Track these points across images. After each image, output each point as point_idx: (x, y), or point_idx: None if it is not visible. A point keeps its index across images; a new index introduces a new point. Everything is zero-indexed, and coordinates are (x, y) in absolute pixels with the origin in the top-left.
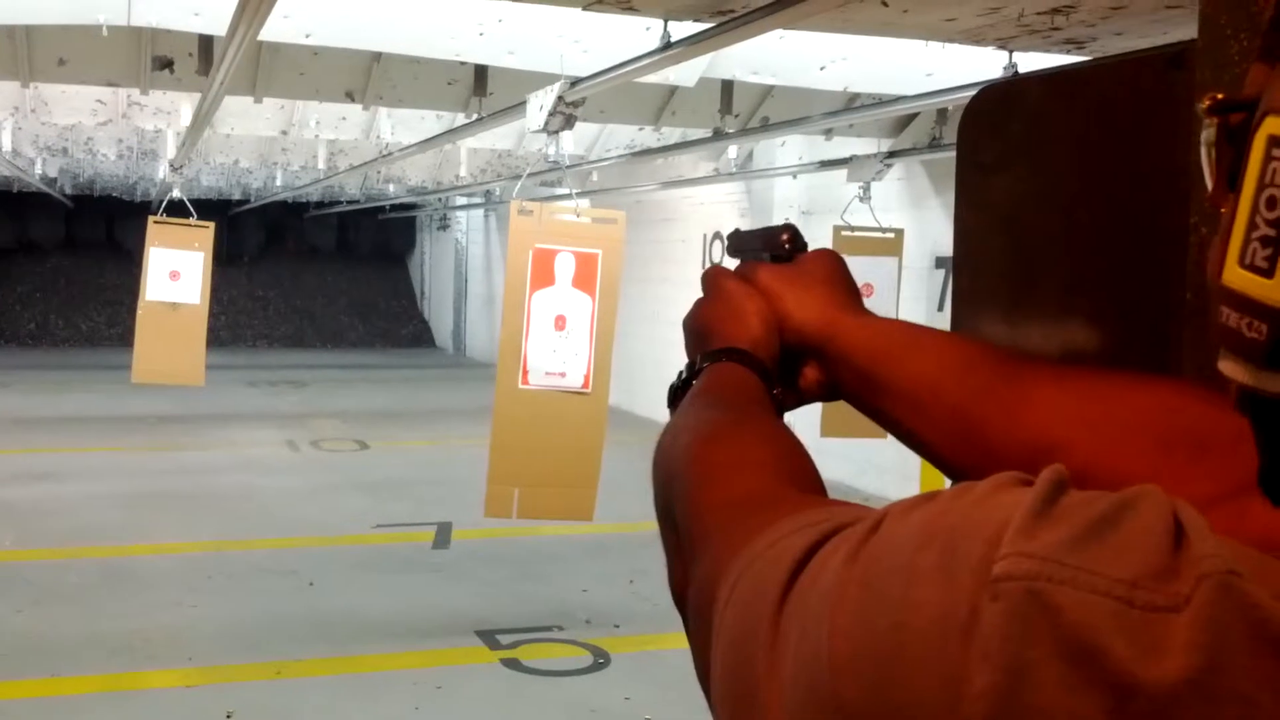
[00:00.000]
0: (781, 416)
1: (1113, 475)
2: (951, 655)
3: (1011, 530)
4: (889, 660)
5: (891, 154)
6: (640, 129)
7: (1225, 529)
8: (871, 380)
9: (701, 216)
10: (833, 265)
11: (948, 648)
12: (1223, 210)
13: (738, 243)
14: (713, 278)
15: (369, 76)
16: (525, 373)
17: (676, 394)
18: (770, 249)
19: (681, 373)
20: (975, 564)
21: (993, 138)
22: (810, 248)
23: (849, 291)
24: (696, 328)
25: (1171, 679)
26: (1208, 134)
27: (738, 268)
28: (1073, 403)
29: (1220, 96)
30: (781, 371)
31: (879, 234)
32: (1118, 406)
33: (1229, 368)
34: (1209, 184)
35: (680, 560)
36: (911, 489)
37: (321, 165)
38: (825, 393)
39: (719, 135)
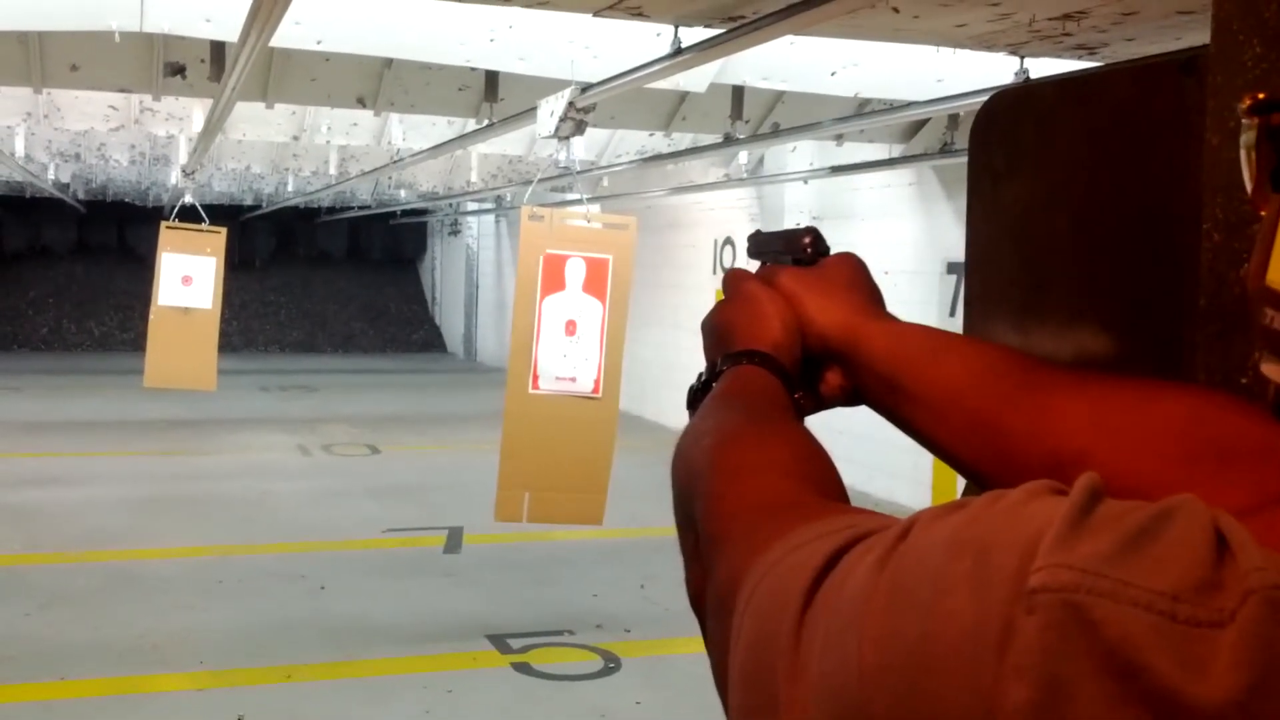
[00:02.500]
0: (802, 421)
1: (1136, 485)
2: (985, 668)
3: (1048, 540)
4: (919, 671)
5: (902, 159)
6: (651, 134)
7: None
8: (894, 386)
9: (712, 222)
10: (855, 269)
11: (981, 660)
12: (1263, 213)
13: (758, 245)
14: (735, 280)
15: (380, 82)
16: (536, 378)
17: (696, 395)
18: (792, 252)
19: (701, 374)
20: (1009, 575)
21: (1004, 143)
22: (832, 251)
23: (872, 296)
24: (717, 329)
25: (1217, 698)
26: (1248, 137)
27: (759, 270)
28: (1096, 411)
29: (1262, 96)
30: (802, 376)
31: None
32: (1142, 415)
33: (1272, 370)
34: (1249, 185)
35: (698, 563)
36: (923, 493)
37: (333, 171)
38: (847, 398)
39: (729, 141)
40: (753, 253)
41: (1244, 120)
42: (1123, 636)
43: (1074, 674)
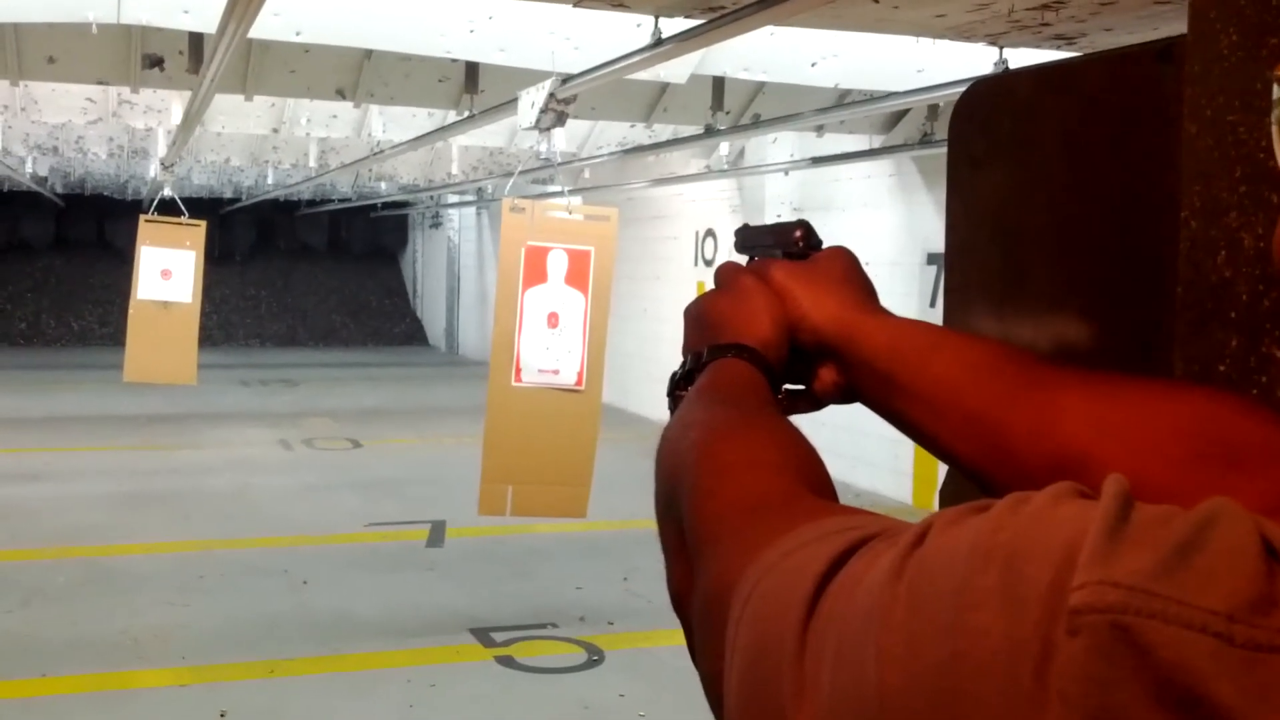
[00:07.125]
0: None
1: (1142, 486)
2: (1022, 694)
3: (1086, 554)
4: (947, 695)
5: (882, 150)
6: (632, 126)
7: None
8: (891, 382)
9: (693, 214)
10: (849, 264)
11: (1017, 684)
12: None
13: (746, 238)
14: (728, 272)
15: (360, 74)
16: (518, 370)
17: (678, 383)
18: (782, 246)
19: (686, 361)
20: (1044, 590)
21: (983, 133)
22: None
23: (866, 291)
24: (705, 318)
25: None
26: (1279, 111)
27: (750, 264)
28: (1100, 410)
29: None
30: (794, 373)
31: None
32: (1148, 414)
33: None
34: (1279, 158)
35: (682, 561)
36: (904, 484)
37: (313, 163)
38: (842, 395)
39: (710, 132)
40: (740, 246)
41: (1276, 87)
42: (1178, 662)
43: (1124, 702)
